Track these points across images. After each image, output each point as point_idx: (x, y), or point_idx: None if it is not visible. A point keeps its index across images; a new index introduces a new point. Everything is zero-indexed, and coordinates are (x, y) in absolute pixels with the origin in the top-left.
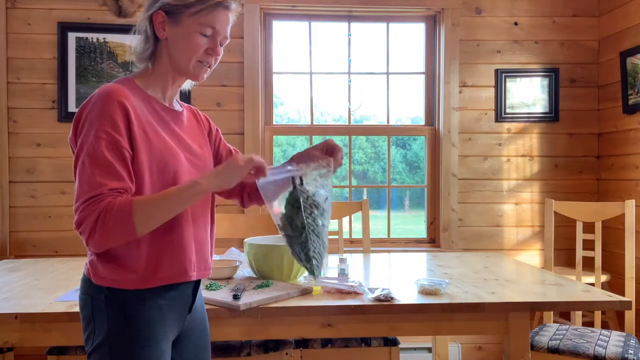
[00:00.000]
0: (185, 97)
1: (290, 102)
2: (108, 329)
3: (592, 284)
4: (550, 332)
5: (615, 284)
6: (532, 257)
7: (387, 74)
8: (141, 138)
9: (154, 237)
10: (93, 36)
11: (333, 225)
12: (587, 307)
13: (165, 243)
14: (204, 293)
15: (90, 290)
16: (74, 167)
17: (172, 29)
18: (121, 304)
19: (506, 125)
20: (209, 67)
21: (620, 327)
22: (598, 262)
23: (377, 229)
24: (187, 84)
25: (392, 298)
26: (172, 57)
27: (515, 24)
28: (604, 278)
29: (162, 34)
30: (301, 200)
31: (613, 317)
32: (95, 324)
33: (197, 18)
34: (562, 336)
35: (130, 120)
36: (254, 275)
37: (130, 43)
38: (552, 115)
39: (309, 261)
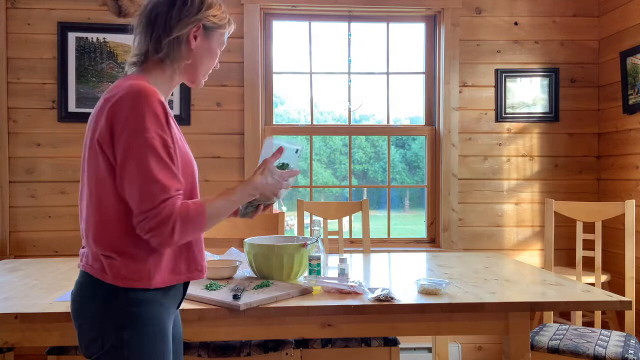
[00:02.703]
0: (186, 97)
1: (291, 102)
2: (125, 330)
3: (592, 284)
4: (550, 332)
5: (615, 284)
6: (532, 257)
7: (387, 74)
8: (175, 138)
9: None
10: (93, 36)
11: (333, 225)
12: (587, 307)
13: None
14: (204, 293)
15: (100, 292)
16: (121, 168)
17: (202, 42)
18: (138, 303)
19: (506, 125)
20: None
21: (620, 327)
22: (598, 262)
23: (377, 229)
24: None
25: (392, 298)
26: (191, 66)
27: (515, 23)
28: (604, 278)
29: (194, 45)
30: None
31: (613, 317)
32: (104, 326)
33: (221, 37)
34: (562, 336)
35: (169, 121)
36: (254, 275)
37: (129, 43)
38: (552, 115)
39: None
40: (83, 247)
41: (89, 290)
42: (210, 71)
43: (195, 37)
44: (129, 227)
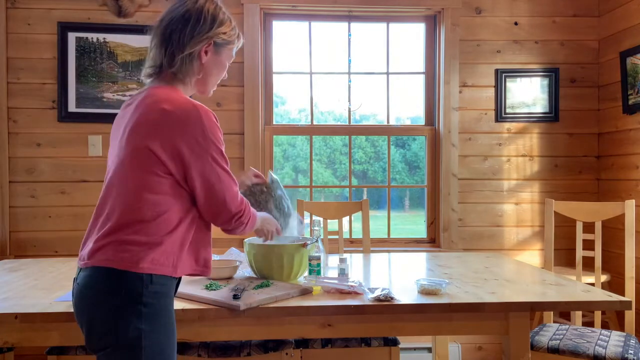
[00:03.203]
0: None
1: (291, 102)
2: (143, 321)
3: (592, 284)
4: (550, 332)
5: (615, 284)
6: (532, 257)
7: (387, 74)
8: None
9: (197, 229)
10: (93, 36)
11: (333, 225)
12: (587, 307)
13: (203, 236)
14: (204, 293)
15: (119, 283)
16: (204, 177)
17: (212, 57)
18: (155, 295)
19: (506, 125)
20: None
21: (620, 327)
22: (598, 262)
23: (377, 229)
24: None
25: (392, 298)
26: (202, 79)
27: (515, 24)
28: (604, 278)
29: (204, 60)
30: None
31: (613, 317)
32: (124, 316)
33: (229, 51)
34: (562, 336)
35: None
36: (254, 275)
37: (129, 43)
38: (552, 115)
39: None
40: (88, 246)
41: (103, 283)
42: (219, 81)
43: (206, 53)
44: (167, 223)
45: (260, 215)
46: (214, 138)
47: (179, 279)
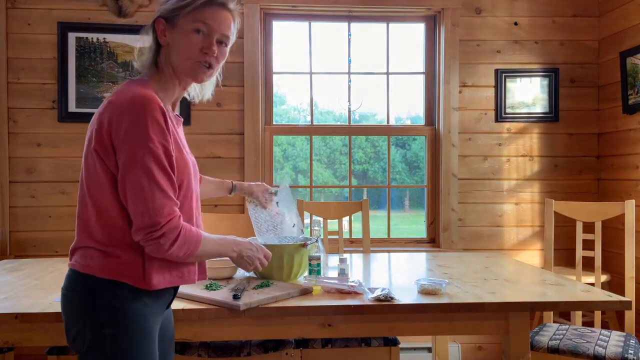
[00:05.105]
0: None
1: (291, 102)
2: (108, 326)
3: (592, 284)
4: (550, 332)
5: (615, 284)
6: (532, 257)
7: (387, 74)
8: (176, 143)
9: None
10: (93, 36)
11: (333, 225)
12: (587, 307)
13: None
14: (204, 293)
15: (86, 285)
16: (124, 176)
17: (170, 33)
18: (123, 299)
19: (506, 125)
20: (208, 67)
21: (620, 327)
22: (598, 262)
23: (377, 229)
24: (194, 91)
25: (392, 298)
26: (172, 60)
27: (515, 24)
28: (604, 278)
29: (164, 40)
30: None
31: (613, 317)
32: (87, 320)
33: (190, 16)
34: (562, 336)
35: (169, 129)
36: (254, 275)
37: (129, 43)
38: (552, 115)
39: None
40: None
41: (75, 284)
42: (205, 57)
43: (163, 34)
44: (127, 229)
45: (232, 239)
46: (146, 136)
47: (174, 289)
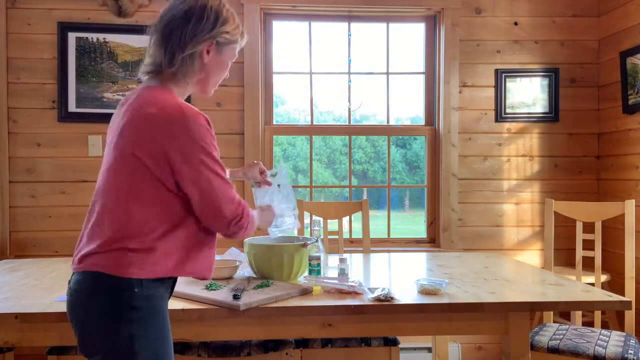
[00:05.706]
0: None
1: (291, 102)
2: (134, 324)
3: (592, 284)
4: (550, 332)
5: (615, 284)
6: (532, 257)
7: (387, 74)
8: None
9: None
10: (93, 36)
11: (333, 225)
12: (587, 307)
13: (201, 240)
14: (204, 293)
15: (110, 287)
16: (195, 182)
17: (215, 57)
18: (148, 297)
19: (506, 125)
20: None
21: (620, 327)
22: (598, 262)
23: (377, 229)
24: None
25: (392, 298)
26: (202, 79)
27: (515, 24)
28: (604, 278)
29: (207, 59)
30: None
31: (613, 317)
32: (115, 321)
33: (232, 50)
34: (562, 336)
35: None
36: (254, 275)
37: (129, 43)
38: (552, 115)
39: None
40: (80, 249)
41: (94, 288)
42: (221, 81)
43: (208, 52)
44: (154, 230)
45: (260, 210)
46: (203, 142)
47: (175, 279)
